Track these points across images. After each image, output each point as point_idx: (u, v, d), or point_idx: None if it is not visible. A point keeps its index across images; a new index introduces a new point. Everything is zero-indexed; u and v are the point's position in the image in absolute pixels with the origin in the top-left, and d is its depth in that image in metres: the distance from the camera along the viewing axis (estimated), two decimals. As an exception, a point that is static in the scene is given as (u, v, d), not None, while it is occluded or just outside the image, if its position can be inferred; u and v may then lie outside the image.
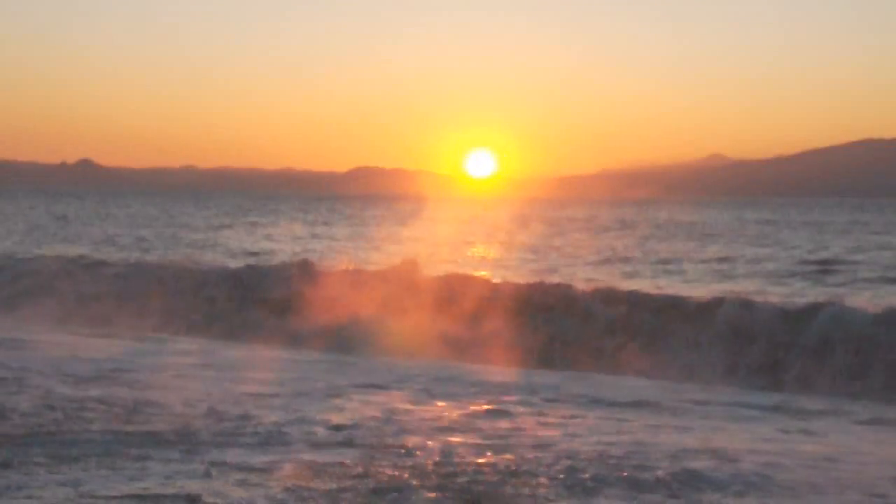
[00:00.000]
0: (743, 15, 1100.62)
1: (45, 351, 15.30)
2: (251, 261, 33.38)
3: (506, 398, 12.26)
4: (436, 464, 8.71)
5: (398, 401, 11.92)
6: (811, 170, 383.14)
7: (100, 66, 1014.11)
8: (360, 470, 8.46)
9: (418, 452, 9.14)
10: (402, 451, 9.19)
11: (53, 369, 13.31)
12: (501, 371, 15.40)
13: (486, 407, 11.58)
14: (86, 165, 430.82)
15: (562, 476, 8.34)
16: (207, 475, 8.24)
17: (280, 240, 50.92)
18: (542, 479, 8.24)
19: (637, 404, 12.23)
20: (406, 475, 8.33)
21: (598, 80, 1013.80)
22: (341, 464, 8.64)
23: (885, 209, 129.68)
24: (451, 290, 18.82)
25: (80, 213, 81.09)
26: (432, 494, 7.82)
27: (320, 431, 10.00)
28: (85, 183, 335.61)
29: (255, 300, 20.66)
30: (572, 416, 11.17)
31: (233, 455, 8.91)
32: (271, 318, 19.77)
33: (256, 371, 14.21)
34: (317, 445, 9.41)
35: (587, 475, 8.36)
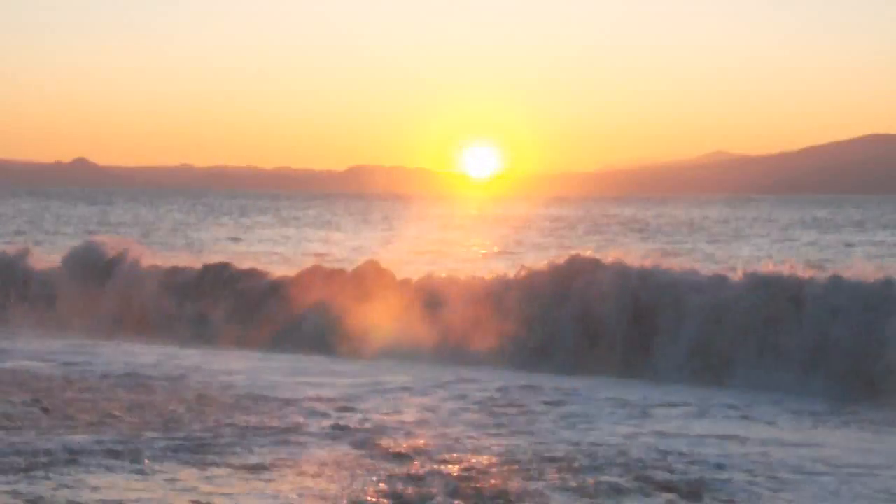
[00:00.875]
0: (746, 10, 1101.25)
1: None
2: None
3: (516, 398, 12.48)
4: (448, 464, 9.05)
5: (405, 403, 12.18)
6: (816, 166, 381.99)
7: (95, 64, 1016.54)
8: (376, 471, 8.78)
9: (427, 455, 9.39)
10: (408, 454, 9.43)
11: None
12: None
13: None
14: (81, 164, 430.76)
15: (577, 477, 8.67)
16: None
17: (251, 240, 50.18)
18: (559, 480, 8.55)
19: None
20: (423, 476, 8.63)
21: (599, 77, 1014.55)
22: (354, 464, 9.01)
23: (884, 205, 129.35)
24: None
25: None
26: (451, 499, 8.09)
27: (336, 433, 10.28)
28: (80, 182, 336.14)
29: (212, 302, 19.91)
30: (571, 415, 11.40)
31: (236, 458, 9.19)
32: (227, 320, 19.27)
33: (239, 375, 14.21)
34: (332, 447, 9.68)
35: (602, 475, 8.70)
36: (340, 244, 46.88)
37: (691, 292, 15.35)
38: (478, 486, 8.48)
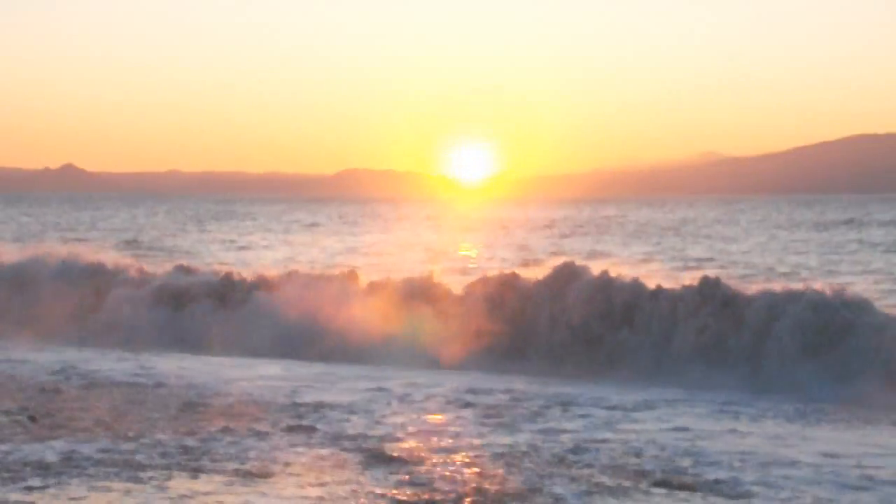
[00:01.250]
0: (735, 13, 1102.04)
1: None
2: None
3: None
4: (451, 468, 9.12)
5: (401, 407, 12.19)
6: (805, 165, 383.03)
7: (82, 70, 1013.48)
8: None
9: (429, 459, 9.45)
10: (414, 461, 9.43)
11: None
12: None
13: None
14: (69, 170, 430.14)
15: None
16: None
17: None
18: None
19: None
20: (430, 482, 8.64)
21: (589, 79, 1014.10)
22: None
23: (872, 204, 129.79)
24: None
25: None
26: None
27: (331, 438, 10.28)
28: (68, 188, 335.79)
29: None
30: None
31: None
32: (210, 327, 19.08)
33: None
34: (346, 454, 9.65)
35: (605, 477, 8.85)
36: (329, 248, 46.89)
37: (647, 301, 16.07)
38: (482, 488, 8.47)
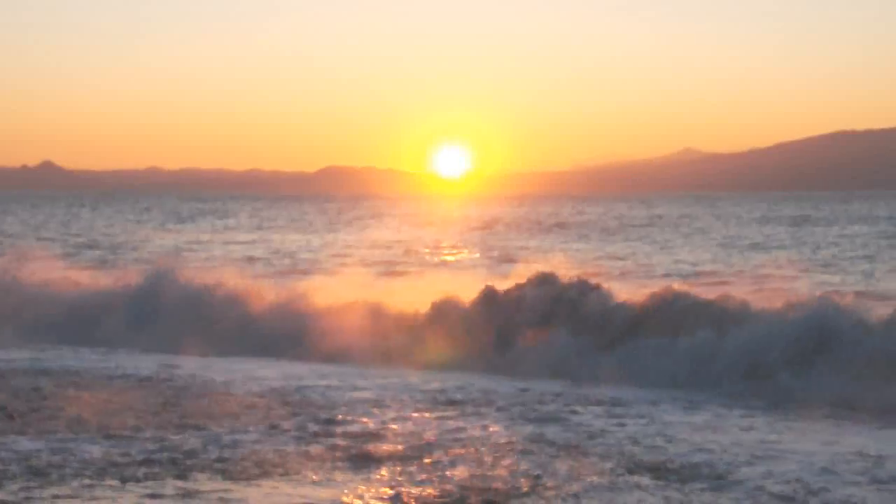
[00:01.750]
0: (713, 10, 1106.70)
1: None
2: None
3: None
4: (445, 467, 9.08)
5: (388, 408, 12.12)
6: (784, 162, 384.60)
7: (61, 67, 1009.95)
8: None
9: (423, 457, 9.46)
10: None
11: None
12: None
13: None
14: (48, 168, 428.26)
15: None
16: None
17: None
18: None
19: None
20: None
21: (570, 76, 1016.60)
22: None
23: (850, 201, 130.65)
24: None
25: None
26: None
27: (325, 439, 10.19)
28: (47, 186, 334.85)
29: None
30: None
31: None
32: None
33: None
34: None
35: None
36: (305, 247, 46.73)
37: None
38: (480, 483, 8.53)
